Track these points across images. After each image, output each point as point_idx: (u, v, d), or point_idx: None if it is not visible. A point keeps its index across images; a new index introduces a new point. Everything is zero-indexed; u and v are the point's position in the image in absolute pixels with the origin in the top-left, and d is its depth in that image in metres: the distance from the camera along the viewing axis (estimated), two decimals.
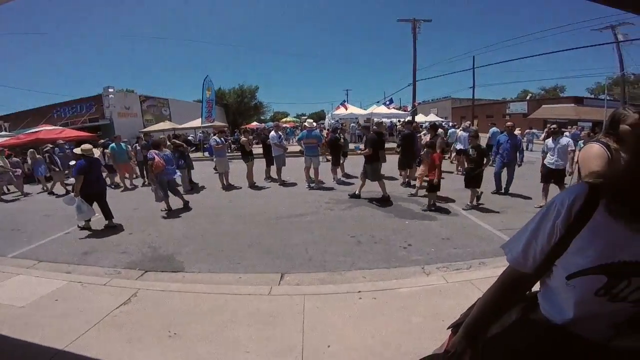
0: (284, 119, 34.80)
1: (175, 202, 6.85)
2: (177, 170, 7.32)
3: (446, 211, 5.90)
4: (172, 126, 20.96)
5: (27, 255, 4.61)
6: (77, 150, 6.00)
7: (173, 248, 4.65)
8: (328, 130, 10.64)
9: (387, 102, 19.30)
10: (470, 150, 6.27)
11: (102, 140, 11.71)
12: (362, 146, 7.91)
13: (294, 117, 40.20)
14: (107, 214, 5.80)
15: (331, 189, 8.22)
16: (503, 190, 7.06)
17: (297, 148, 10.42)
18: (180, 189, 8.48)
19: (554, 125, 8.26)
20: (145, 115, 25.48)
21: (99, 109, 22.07)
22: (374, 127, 9.73)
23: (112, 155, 9.68)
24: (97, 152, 6.06)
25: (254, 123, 28.46)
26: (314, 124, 10.04)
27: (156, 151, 6.61)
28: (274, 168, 9.27)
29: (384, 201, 6.56)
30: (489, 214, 5.65)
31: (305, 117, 25.05)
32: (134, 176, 10.72)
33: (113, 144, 9.84)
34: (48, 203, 8.18)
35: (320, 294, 3.05)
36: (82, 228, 5.69)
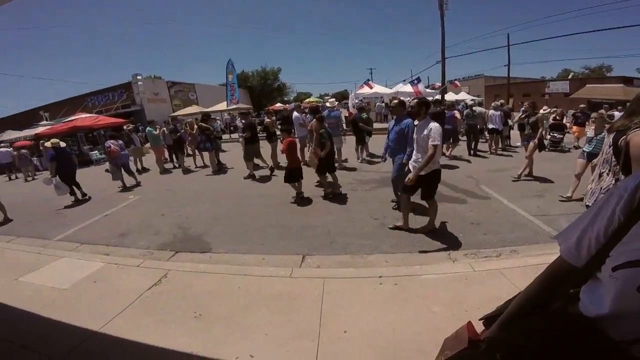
0: (306, 100, 34.43)
1: (213, 184, 7.03)
2: (130, 157, 8.97)
3: (476, 194, 5.62)
4: (199, 110, 21.38)
5: (71, 238, 4.93)
6: (48, 144, 7.64)
7: (202, 229, 4.80)
8: (350, 110, 10.31)
9: (415, 81, 18.35)
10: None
11: (132, 126, 12.16)
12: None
13: (317, 97, 39.61)
14: (77, 188, 7.30)
15: (354, 169, 8.11)
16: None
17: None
18: (209, 169, 9.08)
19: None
20: (173, 100, 26.29)
21: (130, 96, 22.94)
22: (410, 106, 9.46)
23: (150, 138, 10.15)
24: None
25: (278, 104, 28.40)
26: (336, 103, 9.81)
27: (113, 140, 8.28)
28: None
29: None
30: (525, 198, 5.29)
31: (328, 96, 24.56)
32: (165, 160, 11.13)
33: (149, 127, 10.26)
34: (85, 186, 8.62)
35: (340, 278, 3.04)
36: (76, 200, 7.12)
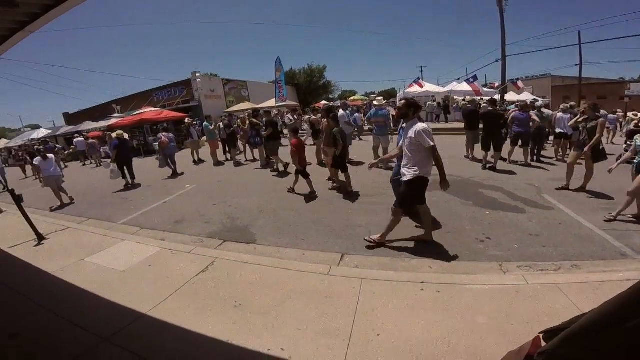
0: (351, 97, 34.18)
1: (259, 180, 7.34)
2: (177, 148, 10.18)
3: (537, 203, 5.13)
4: (251, 106, 22.24)
5: (133, 222, 5.46)
6: (114, 135, 9.13)
7: (248, 220, 5.03)
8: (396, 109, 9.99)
9: (471, 79, 17.23)
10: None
11: (191, 120, 13.17)
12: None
13: (362, 95, 39.10)
14: (132, 176, 8.34)
15: None
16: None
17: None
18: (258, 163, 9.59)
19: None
20: (227, 97, 27.65)
21: (189, 92, 24.60)
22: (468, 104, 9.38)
23: (207, 132, 10.86)
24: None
25: (323, 102, 28.59)
26: (384, 101, 9.60)
27: (164, 133, 9.72)
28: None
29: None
30: (594, 211, 4.70)
31: (375, 95, 24.02)
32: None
33: (206, 122, 10.98)
34: (147, 174, 9.54)
35: (379, 280, 2.98)
36: (126, 186, 8.17)
